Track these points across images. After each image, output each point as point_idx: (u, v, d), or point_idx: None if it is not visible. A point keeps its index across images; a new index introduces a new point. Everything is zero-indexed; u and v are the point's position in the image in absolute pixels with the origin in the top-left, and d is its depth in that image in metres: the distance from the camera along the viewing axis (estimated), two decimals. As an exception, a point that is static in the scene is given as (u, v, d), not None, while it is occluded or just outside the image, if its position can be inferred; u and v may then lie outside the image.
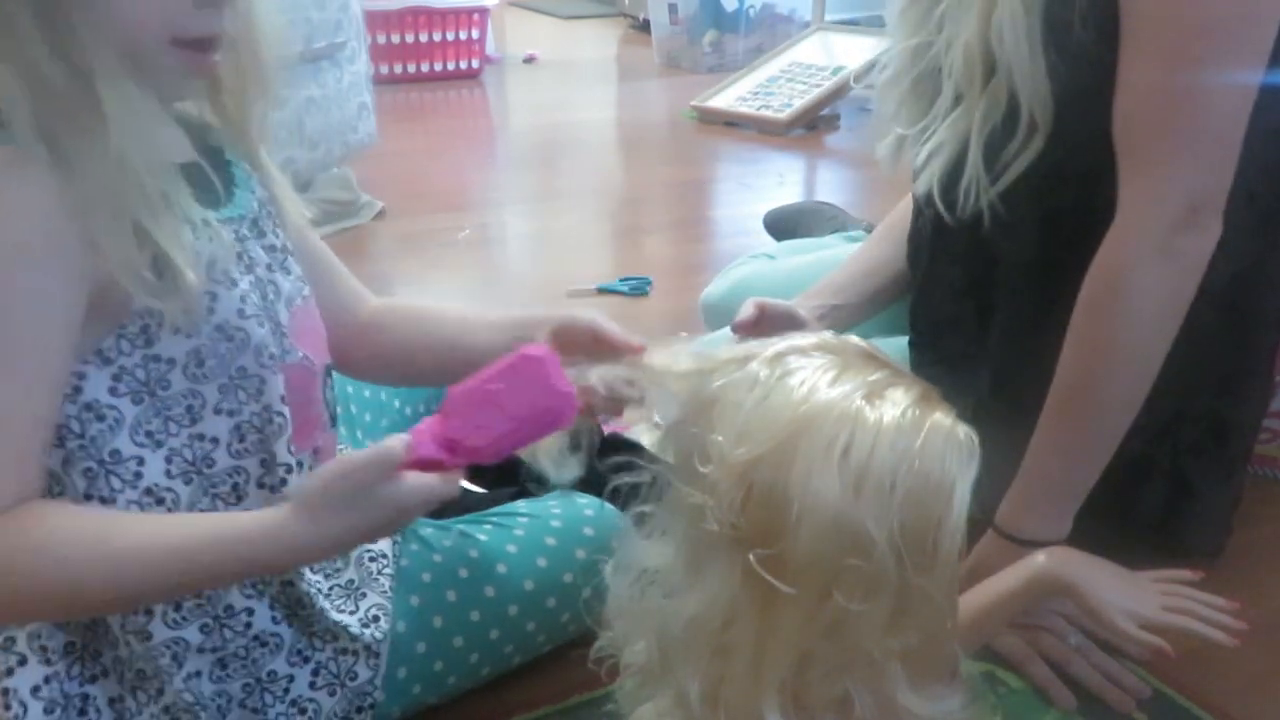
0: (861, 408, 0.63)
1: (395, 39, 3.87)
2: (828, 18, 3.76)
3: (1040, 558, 0.90)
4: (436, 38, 3.94)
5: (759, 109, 3.30)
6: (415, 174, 2.92)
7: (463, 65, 4.03)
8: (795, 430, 0.62)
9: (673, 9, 4.15)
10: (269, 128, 0.91)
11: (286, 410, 0.86)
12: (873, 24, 3.88)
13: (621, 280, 2.12)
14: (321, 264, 1.00)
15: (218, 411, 0.82)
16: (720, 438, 0.64)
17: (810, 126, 3.27)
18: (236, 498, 0.85)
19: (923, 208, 1.16)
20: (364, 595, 0.95)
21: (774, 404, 0.64)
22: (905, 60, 1.14)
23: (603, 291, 2.09)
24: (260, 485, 0.86)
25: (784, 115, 3.22)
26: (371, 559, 0.97)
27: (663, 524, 0.69)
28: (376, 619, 0.93)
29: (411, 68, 3.93)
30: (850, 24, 3.75)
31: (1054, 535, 1.03)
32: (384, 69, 3.75)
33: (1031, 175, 1.05)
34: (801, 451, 0.61)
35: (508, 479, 1.17)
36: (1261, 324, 1.16)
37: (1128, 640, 0.88)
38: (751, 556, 0.61)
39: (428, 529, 1.02)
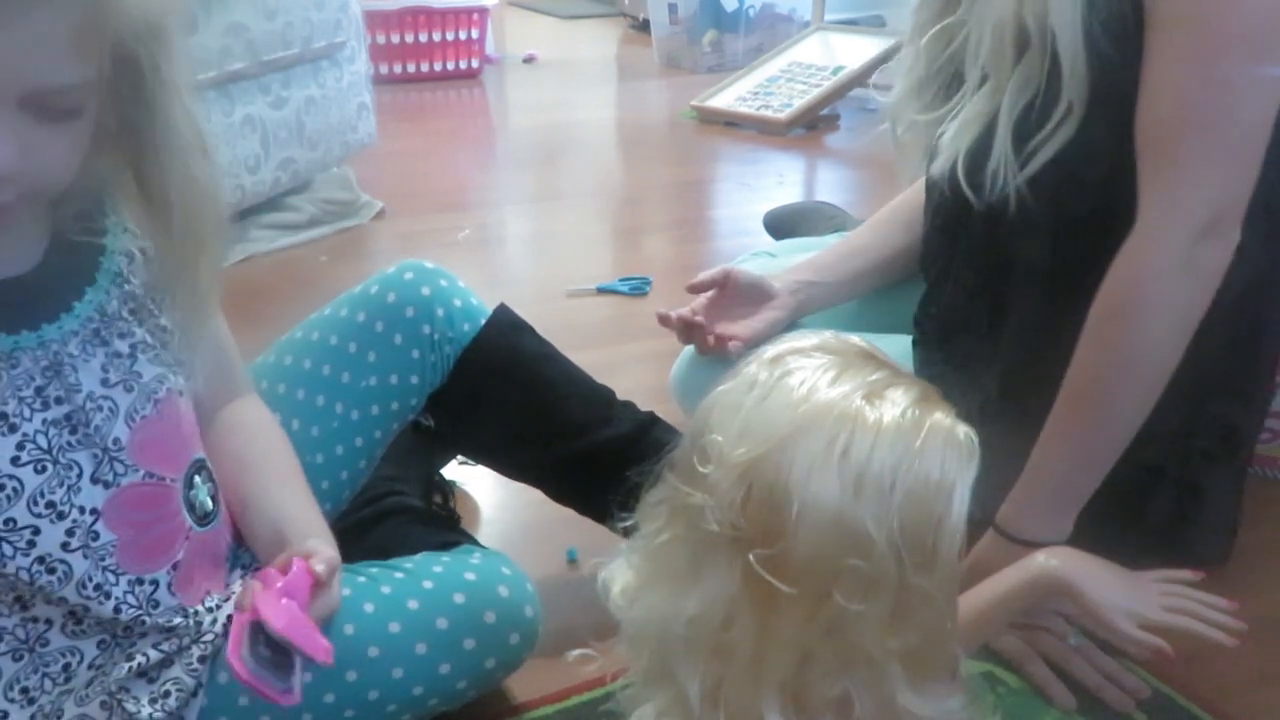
0: (861, 408, 0.63)
1: (395, 39, 3.86)
2: (828, 18, 3.76)
3: (1040, 557, 0.89)
4: (436, 38, 3.94)
5: (759, 109, 3.30)
6: (415, 174, 2.91)
7: (462, 65, 4.03)
8: (795, 430, 0.62)
9: (673, 9, 4.15)
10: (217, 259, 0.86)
11: (71, 559, 0.79)
12: (873, 24, 3.89)
13: (621, 280, 2.12)
14: (209, 350, 0.93)
15: None
16: (720, 438, 0.64)
17: (810, 126, 3.27)
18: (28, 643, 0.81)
19: (943, 189, 1.13)
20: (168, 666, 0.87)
21: (773, 404, 0.64)
22: (926, 44, 1.13)
23: (602, 291, 2.09)
24: (62, 629, 0.82)
25: (784, 115, 3.22)
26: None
27: (660, 526, 0.69)
28: (168, 694, 0.85)
29: (411, 68, 3.93)
30: (850, 24, 3.75)
31: (1055, 536, 1.03)
32: (384, 69, 3.75)
33: (1051, 177, 1.04)
34: (801, 451, 0.61)
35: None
36: (1272, 331, 1.16)
37: (1127, 640, 0.88)
38: (751, 556, 0.61)
39: None
